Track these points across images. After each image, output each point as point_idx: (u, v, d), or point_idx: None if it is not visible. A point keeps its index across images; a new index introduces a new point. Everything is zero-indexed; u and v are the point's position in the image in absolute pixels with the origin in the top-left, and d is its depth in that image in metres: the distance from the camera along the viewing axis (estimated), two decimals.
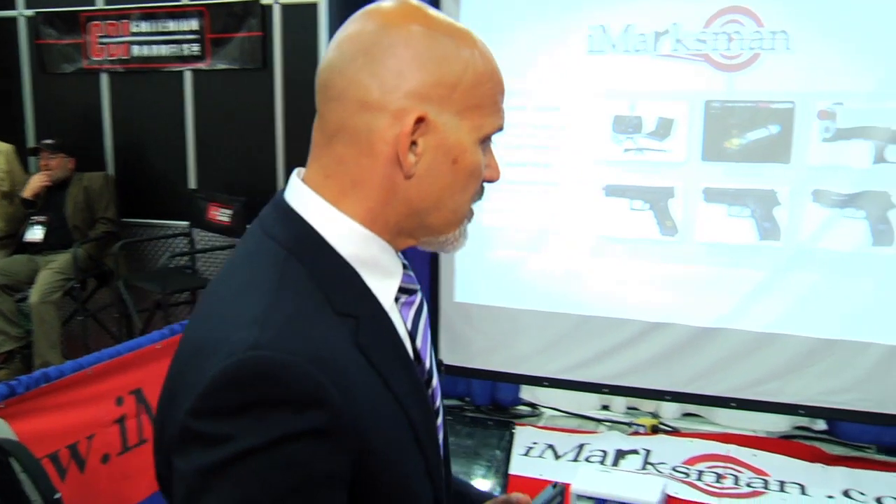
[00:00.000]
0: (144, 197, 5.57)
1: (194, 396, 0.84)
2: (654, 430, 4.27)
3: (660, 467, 3.82)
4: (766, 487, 3.65)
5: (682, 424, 4.33)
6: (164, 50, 5.42)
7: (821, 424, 4.23)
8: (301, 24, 4.87)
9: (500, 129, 1.01)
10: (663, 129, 4.09)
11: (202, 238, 5.32)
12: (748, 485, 3.67)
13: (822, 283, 3.94)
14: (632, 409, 4.50)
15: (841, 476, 3.76)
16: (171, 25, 5.37)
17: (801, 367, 4.01)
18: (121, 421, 2.73)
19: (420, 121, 0.94)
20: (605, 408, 4.55)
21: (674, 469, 3.80)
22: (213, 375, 0.83)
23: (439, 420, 1.07)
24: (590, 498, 2.55)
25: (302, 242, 0.95)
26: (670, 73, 4.03)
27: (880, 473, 3.83)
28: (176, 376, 0.93)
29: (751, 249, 4.03)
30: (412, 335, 1.03)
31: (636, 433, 4.24)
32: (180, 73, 5.39)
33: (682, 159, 4.09)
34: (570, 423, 4.42)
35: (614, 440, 4.12)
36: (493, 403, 4.65)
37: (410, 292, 1.04)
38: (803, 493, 3.62)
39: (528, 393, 4.66)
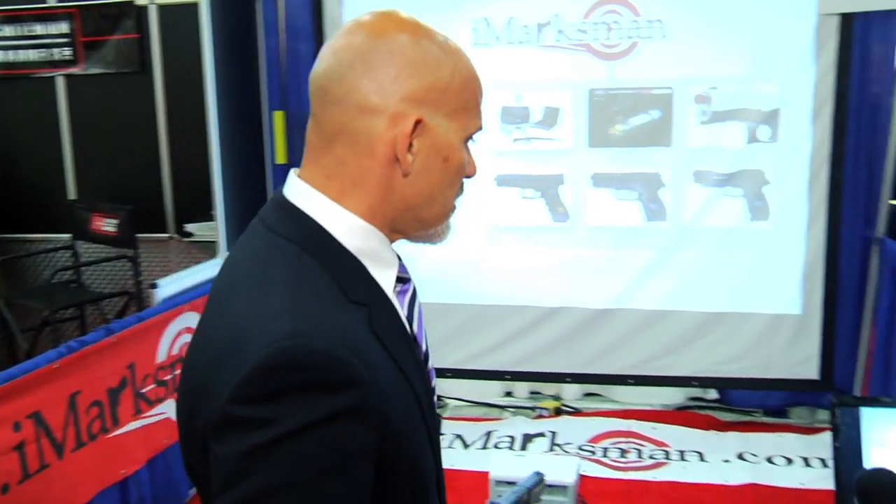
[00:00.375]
0: (21, 211, 5.32)
1: (234, 385, 0.88)
2: (558, 412, 4.38)
3: (566, 447, 3.93)
4: (667, 458, 3.81)
5: (584, 404, 4.46)
6: (32, 55, 5.18)
7: (712, 394, 4.44)
8: (181, 25, 4.75)
9: (481, 128, 1.09)
10: (550, 118, 4.19)
11: (87, 250, 5.12)
12: (651, 457, 3.82)
13: (707, 259, 4.13)
14: (534, 393, 4.60)
15: (734, 441, 3.97)
16: (39, 29, 5.14)
17: (691, 340, 4.20)
18: (20, 447, 2.62)
19: (418, 123, 1.02)
20: (509, 394, 4.63)
21: (580, 448, 3.92)
22: (253, 364, 0.88)
23: (435, 397, 1.16)
24: (509, 483, 2.59)
25: (312, 238, 1.02)
26: (554, 63, 4.13)
27: (768, 435, 4.05)
28: (203, 371, 0.97)
29: (639, 231, 4.18)
30: (409, 320, 1.10)
31: (540, 416, 4.34)
32: (52, 78, 5.16)
33: (569, 147, 4.20)
34: (476, 411, 4.48)
35: (520, 425, 4.20)
36: None
37: (405, 281, 1.12)
38: (702, 459, 3.80)
39: None
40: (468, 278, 4.38)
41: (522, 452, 3.87)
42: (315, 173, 1.06)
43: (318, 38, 4.25)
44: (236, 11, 4.17)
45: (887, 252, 3.90)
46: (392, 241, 1.10)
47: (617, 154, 4.16)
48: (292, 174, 1.08)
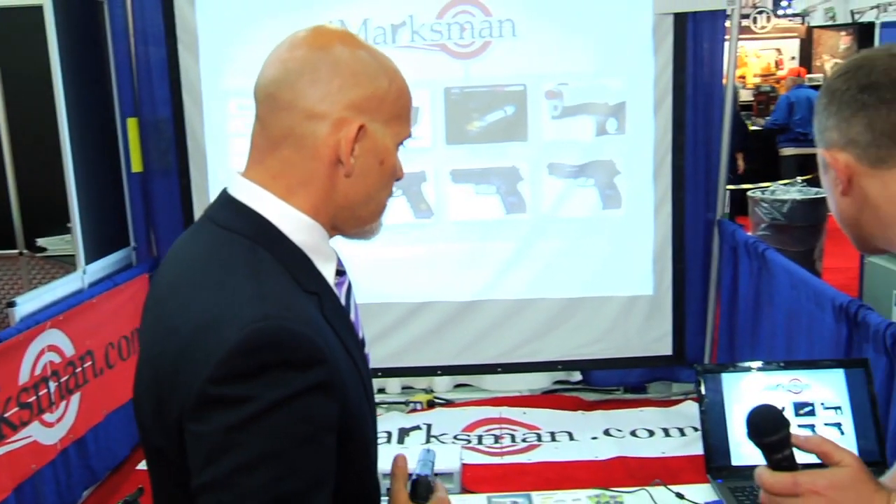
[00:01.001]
0: None
1: (212, 366, 0.95)
2: (431, 404, 4.48)
3: (442, 438, 4.03)
4: (539, 440, 3.98)
5: (456, 395, 4.58)
6: None
7: (577, 376, 4.65)
8: (23, 29, 4.51)
9: (410, 135, 1.19)
10: None
11: None
12: (524, 440, 3.98)
13: (565, 247, 4.33)
14: (407, 388, 4.68)
15: (600, 418, 4.19)
16: None
17: (555, 326, 4.38)
18: None
19: (361, 129, 1.11)
20: (381, 391, 4.68)
21: (455, 438, 4.02)
22: (230, 346, 0.95)
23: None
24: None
25: (262, 233, 1.09)
26: (410, 63, 4.17)
27: (630, 410, 4.30)
28: (171, 359, 1.02)
29: (500, 223, 4.33)
30: (346, 309, 1.19)
31: (414, 410, 4.42)
32: None
33: (429, 144, 4.29)
34: None
35: (396, 420, 4.27)
36: None
37: (342, 274, 1.21)
38: (571, 438, 3.99)
39: None
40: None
41: (403, 446, 3.93)
42: (261, 173, 1.13)
43: (170, 43, 4.15)
44: (82, 16, 4.02)
45: (726, 232, 4.21)
46: (330, 237, 1.18)
47: (475, 150, 4.29)
48: (238, 174, 1.16)
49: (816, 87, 10.00)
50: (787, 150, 9.03)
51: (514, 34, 4.15)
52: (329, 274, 1.15)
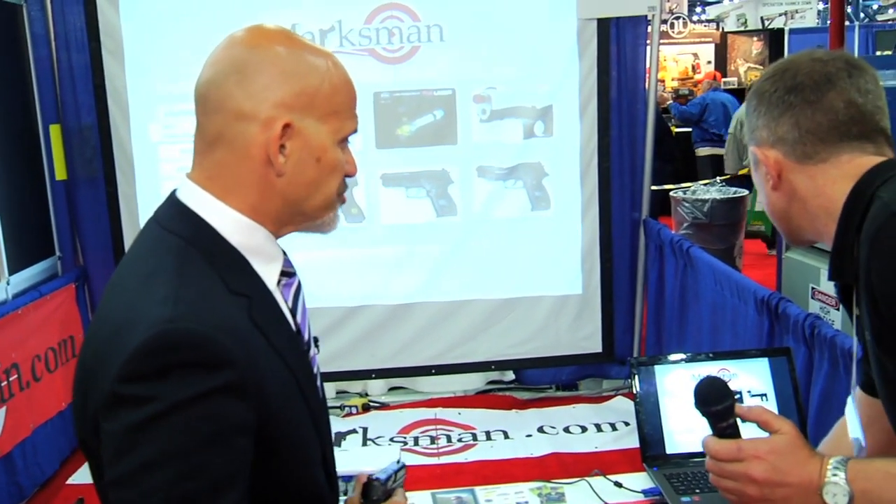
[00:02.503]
0: None
1: (119, 365, 0.97)
2: (366, 408, 4.48)
3: (379, 441, 4.04)
4: (475, 439, 4.03)
5: (391, 398, 4.60)
6: None
7: (510, 375, 4.72)
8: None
9: (355, 131, 1.19)
10: None
11: None
12: (459, 440, 4.02)
13: (496, 249, 4.39)
14: (341, 392, 4.67)
15: (533, 416, 4.26)
16: None
17: (487, 327, 4.44)
18: None
19: (287, 127, 1.10)
20: None
21: (391, 440, 4.04)
22: (135, 346, 0.97)
23: (318, 383, 1.26)
24: (339, 477, 2.66)
25: (198, 233, 1.10)
26: None
27: (562, 408, 4.39)
28: (94, 356, 1.05)
29: (432, 226, 4.37)
30: (293, 311, 1.19)
31: (349, 414, 4.42)
32: None
33: (359, 149, 4.27)
34: None
35: (332, 424, 4.25)
36: None
37: (290, 275, 1.21)
38: (506, 437, 4.05)
39: None
40: None
41: (343, 448, 3.93)
42: (200, 174, 1.14)
43: (93, 48, 4.06)
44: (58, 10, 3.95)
45: (652, 232, 4.33)
46: (282, 234, 1.19)
47: (405, 154, 4.32)
48: (185, 176, 1.16)
49: (731, 91, 10.36)
50: (703, 151, 9.35)
51: (443, 39, 4.20)
52: (270, 275, 1.15)
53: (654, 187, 4.60)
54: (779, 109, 1.26)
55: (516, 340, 4.46)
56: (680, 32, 11.84)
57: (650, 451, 2.13)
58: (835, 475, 1.13)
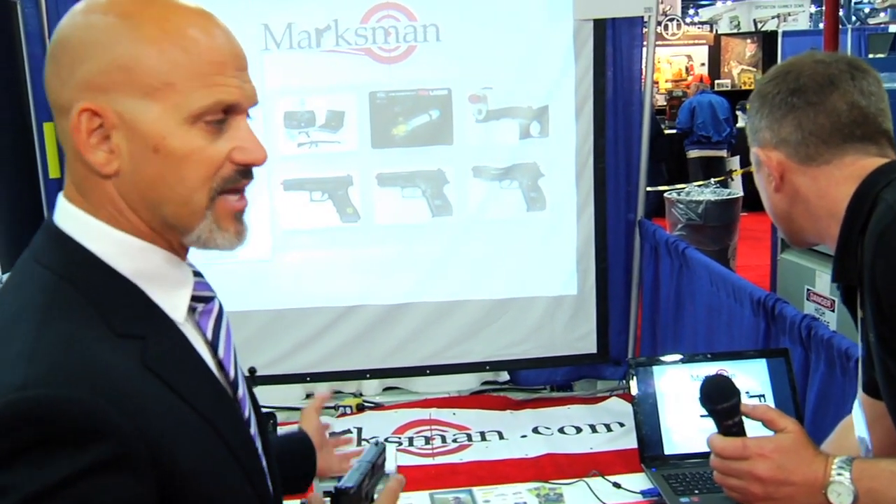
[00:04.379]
0: None
1: None
2: (360, 408, 4.47)
3: (374, 441, 4.02)
4: (469, 440, 4.02)
5: (385, 398, 4.59)
6: None
7: (504, 376, 4.72)
8: None
9: (220, 103, 0.91)
10: (334, 121, 4.27)
11: None
12: (454, 440, 4.02)
13: (491, 249, 4.39)
14: (336, 392, 4.65)
15: (528, 417, 4.26)
16: None
17: (482, 328, 4.43)
18: None
19: (86, 113, 0.88)
20: (310, 396, 4.65)
21: (386, 440, 4.03)
22: None
23: (253, 428, 1.03)
24: (333, 477, 2.65)
25: (75, 265, 0.89)
26: (335, 67, 4.21)
27: (557, 408, 4.38)
28: None
29: (427, 226, 4.36)
30: (213, 345, 0.99)
31: (344, 414, 4.41)
32: None
33: (354, 148, 4.30)
34: (279, 416, 4.46)
35: (332, 426, 4.24)
36: None
37: (206, 300, 1.00)
38: (501, 437, 4.04)
39: None
40: (260, 284, 4.36)
41: (340, 450, 3.91)
42: (69, 189, 0.95)
43: None
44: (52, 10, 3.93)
45: (647, 232, 4.34)
46: (181, 252, 0.99)
47: (401, 154, 4.31)
48: (61, 193, 0.96)
49: (722, 93, 10.40)
50: (693, 153, 9.39)
51: (439, 39, 4.19)
52: (177, 305, 0.94)
53: (648, 188, 4.61)
54: (781, 111, 1.26)
55: (511, 341, 4.45)
56: (674, 34, 11.88)
57: (648, 452, 2.13)
58: (840, 474, 1.14)
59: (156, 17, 0.89)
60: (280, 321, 4.39)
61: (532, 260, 4.41)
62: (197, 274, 1.01)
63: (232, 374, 1.00)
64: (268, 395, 4.55)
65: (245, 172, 0.95)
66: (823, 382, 2.56)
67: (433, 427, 4.19)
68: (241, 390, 1.02)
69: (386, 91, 4.26)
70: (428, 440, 4.04)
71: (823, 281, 3.44)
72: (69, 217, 0.92)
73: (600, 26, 4.24)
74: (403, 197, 4.36)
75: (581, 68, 4.26)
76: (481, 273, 4.40)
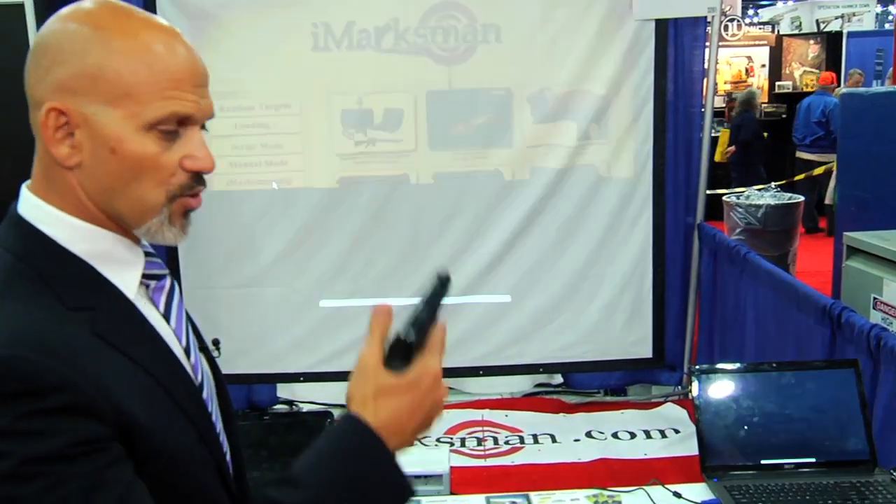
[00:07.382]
0: None
1: None
2: None
3: (425, 440, 4.02)
4: (522, 442, 4.00)
5: None
6: None
7: (558, 378, 4.68)
8: (5, 27, 4.45)
9: (174, 115, 1.01)
10: (392, 120, 4.27)
11: None
12: (507, 442, 4.00)
13: (548, 251, 4.35)
14: None
15: (581, 421, 4.22)
16: None
17: (536, 329, 4.41)
18: None
19: (54, 112, 0.98)
20: None
21: (438, 440, 4.03)
22: None
23: (205, 392, 1.13)
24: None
25: (31, 247, 1.00)
26: (394, 67, 4.21)
27: (611, 413, 4.34)
28: None
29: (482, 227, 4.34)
30: (166, 316, 1.10)
31: None
32: None
33: (411, 148, 4.30)
34: (334, 413, 4.49)
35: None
36: (251, 406, 4.61)
37: (159, 277, 1.11)
38: (554, 441, 4.01)
39: (285, 391, 4.67)
40: (318, 282, 4.39)
41: None
42: (33, 180, 1.05)
43: None
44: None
45: (706, 236, 4.26)
46: (133, 238, 1.08)
47: (458, 154, 4.30)
48: (24, 184, 1.06)
49: (783, 95, 10.15)
50: (798, 154, 8.92)
51: (499, 39, 4.17)
52: (128, 282, 1.05)
53: (709, 192, 4.53)
54: None
55: (566, 343, 4.42)
56: (734, 35, 11.65)
57: (710, 462, 2.09)
58: None
59: (126, 31, 1.00)
60: (334, 319, 4.40)
61: (589, 262, 4.36)
62: (149, 254, 1.11)
63: (184, 342, 1.11)
64: (319, 394, 4.59)
65: (198, 179, 1.06)
66: (892, 394, 2.49)
67: (486, 428, 4.17)
68: (194, 356, 1.13)
69: (444, 91, 4.25)
70: (480, 441, 4.02)
71: (892, 289, 3.34)
72: (30, 206, 1.03)
73: (662, 26, 4.18)
74: None
75: (641, 69, 4.21)
76: (537, 274, 4.37)
